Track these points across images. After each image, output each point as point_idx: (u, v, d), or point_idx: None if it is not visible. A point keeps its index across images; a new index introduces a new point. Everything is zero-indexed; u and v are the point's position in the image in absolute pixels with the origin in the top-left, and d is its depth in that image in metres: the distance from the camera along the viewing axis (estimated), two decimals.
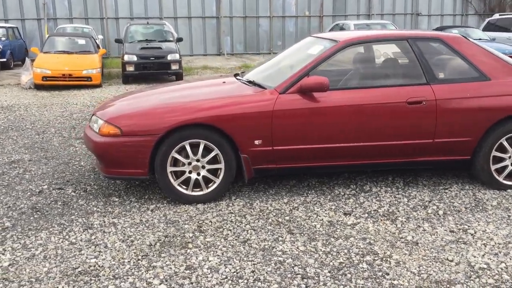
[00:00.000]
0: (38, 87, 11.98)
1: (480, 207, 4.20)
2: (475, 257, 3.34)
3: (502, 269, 3.18)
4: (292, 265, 3.24)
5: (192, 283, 3.04)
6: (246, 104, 4.28)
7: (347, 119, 4.31)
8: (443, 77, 4.52)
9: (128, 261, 3.30)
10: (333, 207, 4.22)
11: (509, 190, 4.56)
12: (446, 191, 4.58)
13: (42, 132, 7.28)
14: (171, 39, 14.20)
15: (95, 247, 3.51)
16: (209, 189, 4.30)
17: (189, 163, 4.22)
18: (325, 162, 4.41)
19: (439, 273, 3.13)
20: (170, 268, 3.21)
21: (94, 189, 4.74)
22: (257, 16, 22.06)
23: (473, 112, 4.42)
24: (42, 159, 5.80)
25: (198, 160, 4.22)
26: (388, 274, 3.12)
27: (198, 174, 4.26)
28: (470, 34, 14.45)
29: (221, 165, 4.26)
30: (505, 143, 4.50)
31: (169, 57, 12.95)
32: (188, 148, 4.19)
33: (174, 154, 4.18)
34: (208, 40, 21.76)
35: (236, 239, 3.62)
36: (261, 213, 4.09)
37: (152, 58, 12.91)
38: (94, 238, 3.66)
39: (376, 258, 3.32)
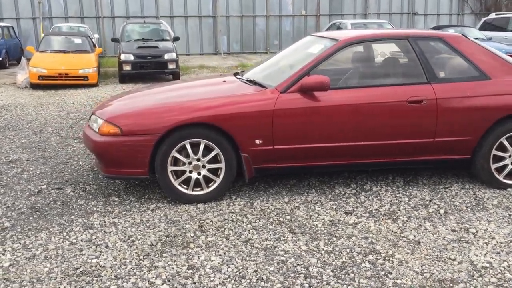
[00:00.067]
0: (34, 86, 11.91)
1: (481, 206, 4.20)
2: (477, 256, 3.34)
3: (504, 267, 3.18)
4: (295, 264, 3.23)
5: (194, 283, 3.02)
6: (247, 103, 4.26)
7: (348, 118, 4.30)
8: (443, 76, 4.52)
9: (130, 261, 3.28)
10: (334, 206, 4.22)
11: (509, 189, 4.56)
12: (447, 190, 4.58)
13: (39, 131, 7.24)
14: (168, 38, 14.16)
15: (96, 247, 3.49)
16: (210, 189, 4.28)
17: (190, 163, 4.21)
18: (326, 161, 4.40)
19: (442, 272, 3.13)
20: (172, 268, 3.20)
21: (94, 188, 4.71)
22: (254, 15, 22.04)
23: (474, 111, 4.42)
24: (40, 158, 5.77)
25: (198, 160, 4.20)
26: (391, 273, 3.12)
27: (199, 173, 4.24)
28: (467, 33, 14.46)
29: (222, 165, 4.25)
30: (505, 142, 4.51)
31: (166, 56, 12.91)
32: (188, 147, 4.17)
33: (174, 153, 4.16)
34: (204, 39, 21.72)
35: (237, 239, 3.61)
36: (262, 213, 4.08)
37: (149, 57, 12.86)
38: (95, 238, 3.64)
39: (378, 257, 3.32)
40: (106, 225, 3.87)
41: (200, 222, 3.90)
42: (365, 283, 3.00)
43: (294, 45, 5.43)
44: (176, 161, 4.21)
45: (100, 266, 3.22)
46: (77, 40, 13.22)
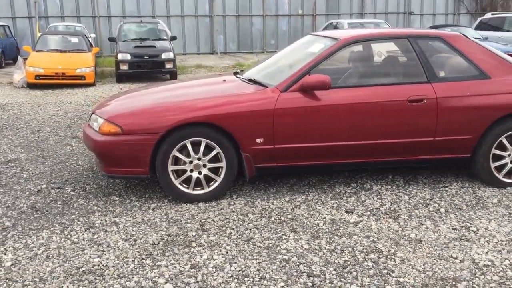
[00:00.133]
0: (30, 86, 11.87)
1: (481, 205, 4.22)
2: (479, 254, 3.35)
3: (506, 266, 3.20)
4: (297, 263, 3.23)
5: (198, 281, 3.02)
6: (247, 103, 4.26)
7: (349, 117, 4.30)
8: (443, 75, 4.53)
9: (132, 260, 3.28)
10: (335, 205, 4.22)
11: (508, 188, 4.58)
12: (446, 189, 4.59)
13: (37, 131, 7.21)
14: (165, 37, 14.15)
15: (98, 246, 3.49)
16: (211, 188, 4.28)
17: (191, 162, 4.20)
18: (326, 160, 4.41)
19: (444, 271, 3.14)
20: (175, 267, 3.19)
21: (94, 188, 4.70)
22: (250, 15, 22.05)
23: (473, 110, 4.43)
24: (39, 158, 5.75)
25: (199, 159, 4.20)
26: (393, 271, 3.13)
27: (200, 172, 4.24)
28: (463, 33, 14.50)
29: (223, 164, 4.25)
30: (505, 141, 4.53)
31: (163, 56, 12.89)
32: (189, 146, 4.17)
33: (175, 152, 4.16)
34: (201, 38, 21.71)
35: (239, 238, 3.61)
36: (263, 212, 4.08)
37: (146, 57, 12.85)
38: (97, 238, 3.63)
39: (380, 256, 3.32)
40: (107, 224, 3.87)
41: (202, 221, 3.90)
42: (368, 282, 3.01)
43: (293, 45, 5.43)
44: (177, 160, 4.21)
45: (103, 265, 3.21)
46: (74, 40, 13.18)
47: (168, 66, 12.92)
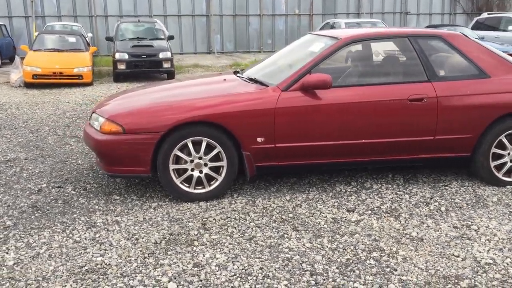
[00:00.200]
0: (28, 85, 11.82)
1: (481, 204, 4.24)
2: (480, 252, 3.37)
3: (508, 264, 3.22)
4: (300, 261, 3.24)
5: (201, 280, 3.02)
6: (248, 102, 4.27)
7: (350, 116, 4.32)
8: (443, 74, 4.55)
9: (135, 259, 3.28)
10: (336, 204, 4.23)
11: (508, 187, 4.61)
12: (446, 187, 4.61)
13: (35, 130, 7.20)
14: (163, 37, 14.13)
15: (100, 245, 3.48)
16: (212, 187, 4.29)
17: (192, 161, 4.21)
18: (327, 159, 4.42)
19: (447, 269, 3.15)
20: (178, 265, 3.19)
21: (94, 187, 4.70)
22: (247, 15, 22.03)
23: (474, 109, 4.45)
24: (38, 157, 5.74)
25: (200, 158, 4.20)
26: (396, 270, 3.14)
27: (201, 171, 4.24)
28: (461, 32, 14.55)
29: (224, 163, 4.25)
30: (505, 140, 4.55)
31: (161, 55, 12.87)
32: (190, 145, 4.17)
33: (176, 151, 4.16)
34: (198, 38, 21.68)
35: (241, 237, 3.61)
36: (264, 211, 4.09)
37: (143, 56, 12.82)
38: (99, 236, 3.63)
39: (383, 254, 3.34)
40: (109, 223, 3.86)
41: (203, 220, 3.90)
42: (371, 280, 3.02)
43: (293, 44, 5.44)
44: (178, 160, 4.21)
45: (106, 264, 3.21)
46: (71, 39, 13.15)
47: (166, 65, 12.90)
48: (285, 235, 3.63)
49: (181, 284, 2.98)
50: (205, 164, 4.23)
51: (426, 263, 3.22)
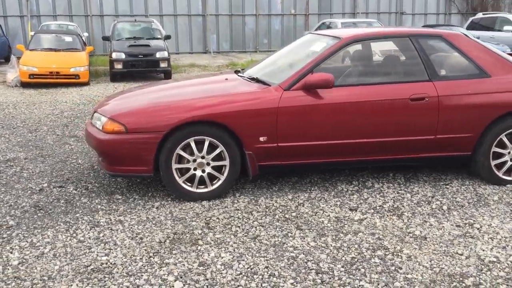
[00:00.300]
0: (24, 85, 11.78)
1: (482, 202, 4.26)
2: (483, 250, 3.39)
3: (511, 262, 3.24)
4: (305, 260, 3.25)
5: (207, 279, 3.03)
6: (251, 101, 4.27)
7: (352, 115, 4.33)
8: (444, 74, 4.58)
9: (140, 258, 3.28)
10: (338, 203, 4.25)
11: (508, 185, 4.63)
12: (447, 186, 4.63)
13: (34, 130, 7.17)
14: (159, 36, 14.11)
15: (105, 244, 3.48)
16: (214, 186, 4.29)
17: (194, 160, 4.21)
18: (329, 158, 4.43)
19: (451, 267, 3.17)
20: (183, 264, 3.20)
21: (96, 187, 4.69)
22: (243, 14, 22.04)
23: (474, 108, 4.48)
24: (38, 157, 5.72)
25: (203, 157, 4.20)
26: (401, 268, 3.15)
27: (203, 171, 4.24)
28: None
29: (226, 162, 4.25)
30: (505, 139, 4.58)
31: (158, 55, 12.85)
32: (193, 145, 4.17)
33: (179, 151, 4.16)
34: (194, 38, 21.67)
35: (245, 236, 3.62)
36: (267, 210, 4.10)
37: (140, 56, 12.80)
38: (102, 236, 3.62)
39: (387, 253, 3.35)
40: (112, 222, 3.86)
41: (207, 219, 3.91)
42: (377, 278, 3.03)
43: (294, 43, 5.45)
44: (180, 159, 4.21)
45: (111, 264, 3.21)
46: (68, 39, 13.12)
47: (163, 65, 12.88)
48: (289, 234, 3.64)
49: (187, 283, 2.98)
50: (208, 164, 4.23)
51: (430, 261, 3.24)
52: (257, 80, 4.64)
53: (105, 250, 3.40)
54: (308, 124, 4.29)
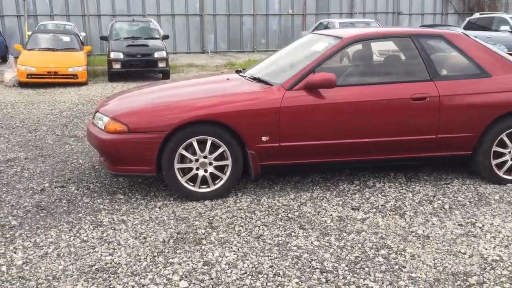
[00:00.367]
0: (22, 84, 11.75)
1: (484, 201, 4.28)
2: (486, 249, 3.41)
3: None
4: (309, 259, 3.26)
5: (212, 278, 3.03)
6: (253, 101, 4.28)
7: (353, 115, 4.34)
8: (445, 73, 4.60)
9: (144, 258, 3.28)
10: (340, 202, 4.26)
11: (509, 185, 4.66)
12: (448, 186, 4.65)
13: (33, 130, 7.16)
14: (157, 36, 14.09)
15: (108, 244, 3.48)
16: (216, 186, 4.29)
17: (196, 160, 4.21)
18: (331, 158, 4.44)
19: (455, 266, 3.19)
20: (188, 264, 3.20)
21: (97, 186, 4.69)
22: (241, 14, 22.05)
23: (475, 108, 4.50)
24: (39, 157, 5.71)
25: (205, 157, 4.21)
26: (404, 267, 3.17)
27: (205, 170, 4.25)
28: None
29: (228, 162, 4.26)
30: (505, 138, 4.60)
31: (156, 55, 12.84)
32: (195, 144, 4.17)
33: (181, 151, 4.16)
34: (191, 38, 21.67)
35: (249, 235, 3.63)
36: (269, 209, 4.10)
37: (138, 56, 12.79)
38: (106, 236, 3.62)
39: (390, 252, 3.36)
40: (115, 222, 3.86)
41: (210, 219, 3.91)
42: (381, 277, 3.05)
43: (295, 43, 5.46)
44: (182, 159, 4.21)
45: (115, 263, 3.21)
46: (66, 38, 13.09)
47: (161, 65, 12.87)
48: (292, 234, 3.65)
49: (192, 283, 2.98)
50: (210, 163, 4.24)
51: (434, 260, 3.26)
52: (258, 80, 4.64)
53: (109, 249, 3.40)
54: (310, 124, 4.30)
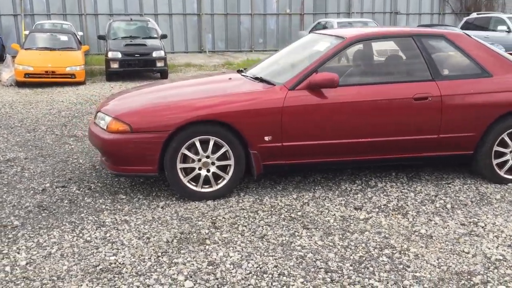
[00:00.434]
0: (20, 84, 11.70)
1: (485, 201, 4.29)
2: (489, 249, 3.42)
3: None
4: (314, 259, 3.26)
5: (217, 278, 3.03)
6: (256, 100, 4.28)
7: (356, 115, 4.35)
8: (447, 73, 4.61)
9: (149, 258, 3.27)
10: (343, 202, 4.26)
11: (510, 184, 4.67)
12: (450, 185, 4.66)
13: (32, 129, 7.14)
14: (156, 36, 14.05)
15: (112, 244, 3.47)
16: (219, 186, 4.29)
17: (199, 160, 4.20)
18: (333, 158, 4.45)
19: (458, 265, 3.20)
20: (193, 264, 3.20)
21: (99, 186, 4.68)
22: (238, 14, 22.02)
23: (477, 107, 4.51)
24: (39, 157, 5.69)
25: (208, 157, 4.20)
26: (409, 266, 3.17)
27: (208, 170, 4.24)
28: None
29: (231, 162, 4.25)
30: (506, 138, 4.61)
31: (154, 54, 12.80)
32: (198, 144, 4.17)
33: (184, 150, 4.16)
34: (189, 37, 21.62)
35: (253, 235, 3.62)
36: (272, 209, 4.10)
37: (137, 55, 12.74)
38: (109, 236, 3.61)
39: (394, 252, 3.37)
40: (118, 222, 3.85)
41: (213, 218, 3.91)
42: (386, 276, 3.05)
43: (297, 43, 5.46)
44: (185, 158, 4.20)
45: (120, 264, 3.20)
46: (63, 38, 13.04)
47: (159, 64, 12.84)
48: (296, 233, 3.65)
49: (197, 283, 2.98)
50: (213, 163, 4.23)
51: (437, 259, 3.26)
52: (261, 80, 4.64)
53: (112, 250, 3.39)
54: (313, 123, 4.30)
